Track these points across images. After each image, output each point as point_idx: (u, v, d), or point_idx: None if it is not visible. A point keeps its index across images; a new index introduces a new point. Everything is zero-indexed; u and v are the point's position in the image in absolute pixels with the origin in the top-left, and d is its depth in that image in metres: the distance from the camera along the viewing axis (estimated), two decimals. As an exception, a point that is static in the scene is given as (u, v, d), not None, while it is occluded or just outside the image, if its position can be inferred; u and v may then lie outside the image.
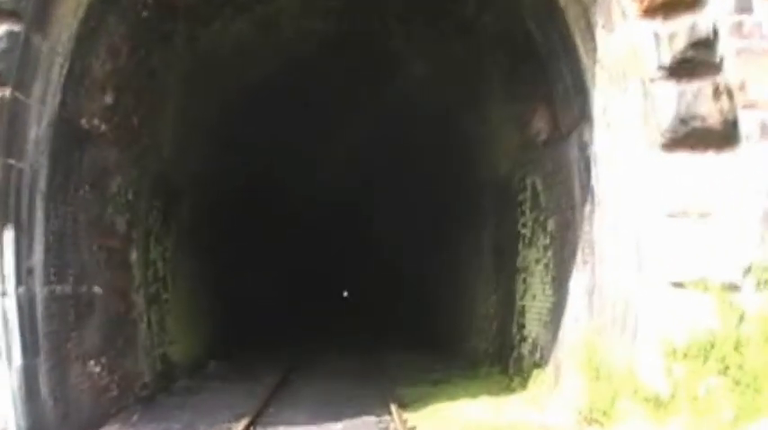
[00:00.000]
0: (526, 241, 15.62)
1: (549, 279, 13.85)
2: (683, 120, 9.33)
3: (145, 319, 15.51)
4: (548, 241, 14.03)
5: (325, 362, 22.40)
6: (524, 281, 15.63)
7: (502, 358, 16.75)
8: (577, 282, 12.10)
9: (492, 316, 18.67)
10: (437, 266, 26.53)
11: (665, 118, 9.35)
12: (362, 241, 40.31)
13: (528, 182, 15.41)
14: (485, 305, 19.62)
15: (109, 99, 12.99)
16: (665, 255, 9.31)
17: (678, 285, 9.15)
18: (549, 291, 13.75)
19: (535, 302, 14.67)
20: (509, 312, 16.68)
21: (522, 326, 15.43)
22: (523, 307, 15.54)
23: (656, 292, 9.31)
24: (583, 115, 11.61)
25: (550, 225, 13.88)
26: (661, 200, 9.42)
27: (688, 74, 9.46)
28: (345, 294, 48.68)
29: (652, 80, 9.51)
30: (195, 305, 20.14)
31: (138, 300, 15.24)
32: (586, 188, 11.69)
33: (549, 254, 13.89)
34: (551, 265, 13.75)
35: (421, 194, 26.89)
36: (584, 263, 11.75)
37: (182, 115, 17.05)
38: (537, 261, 14.71)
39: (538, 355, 14.02)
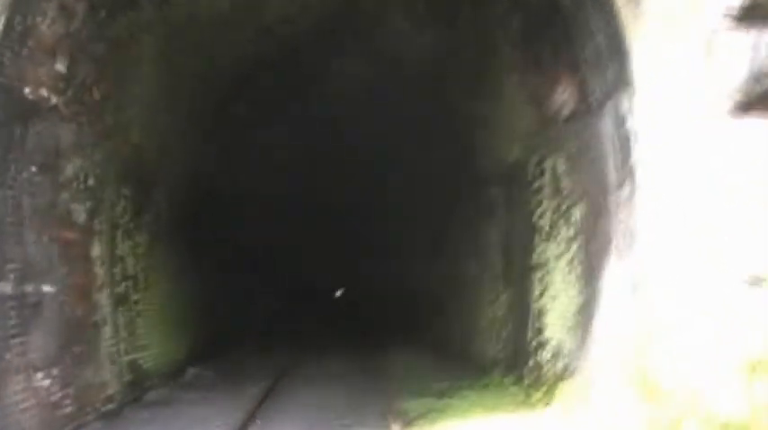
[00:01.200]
0: (544, 234, 13.76)
1: (573, 276, 11.97)
2: (757, 79, 7.52)
3: (110, 323, 13.62)
4: (572, 233, 12.15)
5: (317, 368, 20.53)
6: (542, 279, 13.77)
7: (515, 366, 14.91)
8: (612, 279, 10.23)
9: (501, 318, 16.85)
10: (436, 264, 24.85)
11: (734, 76, 7.55)
12: (359, 239, 38.53)
13: (546, 166, 13.55)
14: (492, 306, 17.82)
15: (61, 66, 11.13)
16: (737, 244, 7.45)
17: (756, 281, 7.30)
18: (573, 291, 11.87)
19: (556, 303, 12.81)
20: (522, 314, 14.84)
21: (540, 331, 13.57)
22: (541, 308, 13.68)
23: (727, 290, 7.44)
24: (620, 81, 9.73)
25: (576, 214, 12.00)
26: (729, 176, 7.56)
27: (761, 22, 7.64)
28: (340, 293, 46.78)
29: (716, 30, 7.66)
30: (173, 306, 18.28)
31: (102, 300, 13.36)
32: (624, 168, 9.82)
33: (574, 247, 12.01)
34: (577, 261, 11.87)
35: (421, 186, 25.23)
36: (622, 256, 9.88)
37: (154, 94, 15.25)
38: (558, 256, 12.84)
39: (561, 364, 12.16)
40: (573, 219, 12.08)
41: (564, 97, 11.99)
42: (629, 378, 8.86)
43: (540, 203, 14.01)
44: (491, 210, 18.16)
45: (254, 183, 26.00)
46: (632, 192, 9.53)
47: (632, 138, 9.46)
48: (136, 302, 15.34)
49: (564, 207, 12.56)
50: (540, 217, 13.95)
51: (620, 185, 9.94)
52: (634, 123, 9.36)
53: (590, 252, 11.22)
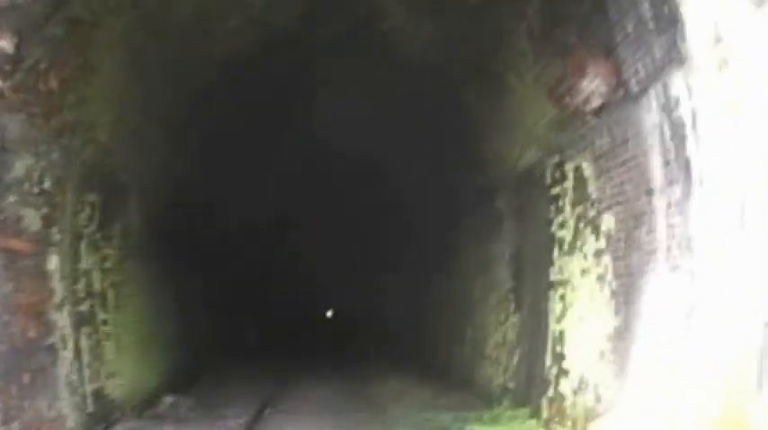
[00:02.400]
0: (565, 247, 12.09)
1: (605, 294, 10.26)
2: None
3: (70, 346, 11.89)
4: (603, 244, 10.45)
5: (308, 396, 18.77)
6: (563, 298, 12.09)
7: (530, 396, 13.22)
8: (659, 296, 8.55)
9: (511, 342, 15.17)
10: (437, 284, 23.21)
11: None
12: (353, 254, 36.72)
13: (568, 168, 11.89)
14: (500, 329, 16.15)
15: (6, 44, 9.46)
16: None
17: None
18: (606, 311, 10.16)
19: (583, 326, 11.10)
20: (539, 338, 13.15)
21: (561, 357, 11.86)
22: (562, 332, 11.98)
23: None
24: (671, 57, 8.07)
25: (607, 222, 10.30)
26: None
27: None
28: (331, 314, 44.82)
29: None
30: (148, 327, 16.54)
31: (61, 321, 11.64)
32: (676, 163, 8.16)
33: (606, 260, 10.30)
34: (609, 276, 10.16)
35: (418, 198, 23.64)
36: (674, 269, 8.19)
37: (124, 89, 13.58)
38: (584, 271, 11.15)
39: (590, 396, 10.43)
40: (604, 227, 10.40)
41: (593, 86, 10.34)
42: (694, 420, 7.11)
43: (559, 212, 12.35)
44: (498, 223, 16.56)
45: (239, 191, 24.23)
46: (688, 191, 7.86)
47: (688, 123, 7.80)
48: (103, 323, 13.64)
49: (591, 214, 10.88)
50: (561, 227, 12.29)
51: (671, 183, 8.27)
52: (693, 105, 7.69)
53: (627, 266, 9.53)
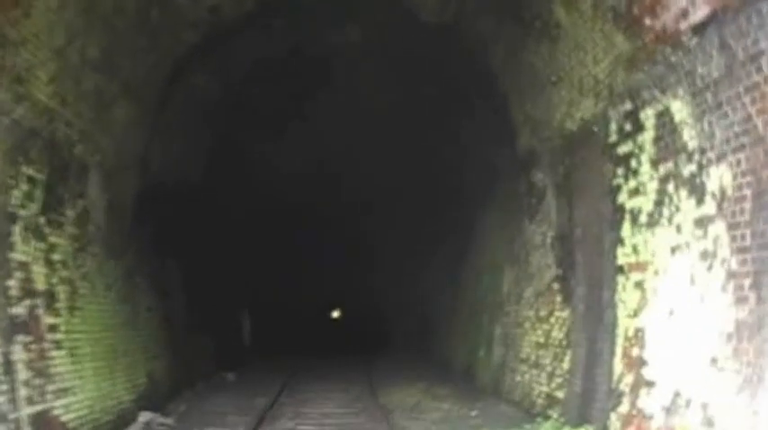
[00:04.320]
0: (641, 219, 9.31)
1: (717, 276, 7.40)
2: None
3: (-2, 359, 9.15)
4: (711, 208, 7.56)
5: (311, 409, 16.07)
6: (638, 285, 9.30)
7: (589, 410, 10.52)
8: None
9: (558, 342, 12.47)
10: (457, 278, 20.69)
11: None
12: (359, 249, 34.16)
13: (647, 115, 9.10)
14: (541, 327, 13.51)
15: None
16: None
17: None
18: (719, 300, 7.31)
19: (676, 322, 8.29)
20: (601, 338, 10.44)
21: (641, 363, 9.07)
22: (641, 329, 9.19)
23: None
24: None
25: (718, 177, 7.45)
26: None
27: None
28: (337, 314, 42.25)
29: None
30: (118, 331, 13.81)
31: (-19, 327, 8.91)
32: None
33: (716, 230, 7.44)
34: (724, 251, 7.30)
35: (436, 182, 21.19)
36: None
37: (76, 40, 10.89)
38: (676, 249, 8.33)
39: (695, 417, 7.60)
40: (712, 185, 7.55)
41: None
42: None
43: (632, 174, 9.58)
44: (536, 200, 13.92)
45: (228, 173, 21.55)
46: None
47: None
48: (51, 329, 10.86)
49: (689, 171, 8.04)
50: (634, 194, 9.52)
51: None
52: None
53: (759, 234, 6.70)
